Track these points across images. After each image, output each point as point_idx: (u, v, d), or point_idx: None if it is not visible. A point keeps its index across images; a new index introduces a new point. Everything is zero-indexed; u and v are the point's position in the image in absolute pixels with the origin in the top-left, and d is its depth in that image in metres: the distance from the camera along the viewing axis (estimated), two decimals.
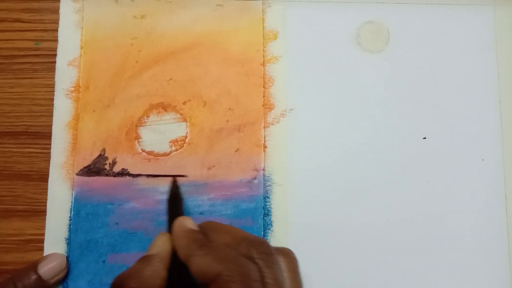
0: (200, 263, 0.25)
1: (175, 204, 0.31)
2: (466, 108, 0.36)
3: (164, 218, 0.33)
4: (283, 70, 0.36)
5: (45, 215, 0.34)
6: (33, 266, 0.31)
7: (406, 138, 0.35)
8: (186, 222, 0.29)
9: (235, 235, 0.27)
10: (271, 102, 0.35)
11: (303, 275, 0.28)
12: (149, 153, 0.34)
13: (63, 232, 0.33)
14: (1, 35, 0.36)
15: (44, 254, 0.33)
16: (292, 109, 0.35)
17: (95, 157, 0.34)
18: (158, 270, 0.27)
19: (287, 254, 0.28)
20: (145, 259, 0.27)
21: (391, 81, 0.36)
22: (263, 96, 0.35)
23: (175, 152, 0.35)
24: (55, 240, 0.33)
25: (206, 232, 0.28)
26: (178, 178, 0.33)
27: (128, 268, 0.27)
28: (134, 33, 0.36)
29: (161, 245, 0.28)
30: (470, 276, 0.34)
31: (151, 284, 0.26)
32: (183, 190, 0.34)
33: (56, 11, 0.36)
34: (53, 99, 0.35)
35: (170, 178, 0.33)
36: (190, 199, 0.34)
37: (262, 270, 0.25)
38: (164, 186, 0.34)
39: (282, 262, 0.27)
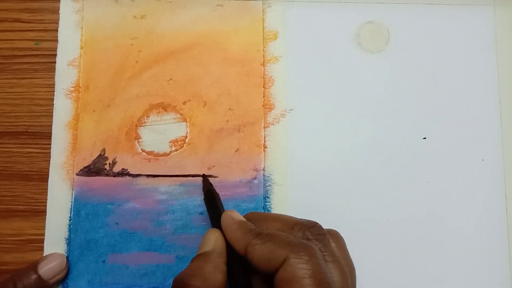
0: (263, 251, 0.25)
1: (213, 200, 0.31)
2: (466, 108, 0.36)
3: (164, 218, 0.34)
4: (283, 70, 0.36)
5: (45, 215, 0.34)
6: (33, 266, 0.31)
7: (406, 138, 0.35)
8: (234, 215, 0.29)
9: (285, 221, 0.28)
10: (271, 102, 0.35)
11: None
12: (149, 153, 0.34)
13: (63, 232, 0.33)
14: (1, 35, 0.36)
15: (44, 254, 0.33)
16: (292, 109, 0.35)
17: (95, 157, 0.34)
18: (219, 265, 0.27)
19: (334, 235, 0.28)
20: (203, 256, 0.27)
21: (391, 81, 0.36)
22: (263, 96, 0.35)
23: (175, 152, 0.35)
24: (55, 240, 0.33)
25: (255, 223, 0.28)
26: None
27: (187, 267, 0.27)
28: (134, 33, 0.36)
29: (215, 241, 0.28)
30: (470, 276, 0.34)
31: (215, 280, 0.26)
32: (184, 190, 0.34)
33: (56, 11, 0.36)
34: (53, 99, 0.35)
35: (200, 178, 0.34)
36: (190, 199, 0.34)
37: (320, 249, 0.25)
38: (164, 186, 0.34)
39: (332, 243, 0.27)
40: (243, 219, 0.29)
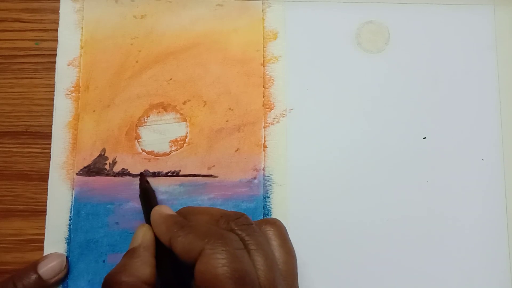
0: (183, 242, 0.25)
1: (148, 197, 0.32)
2: (466, 108, 0.36)
3: None
4: (283, 70, 0.36)
5: (45, 215, 0.34)
6: (33, 266, 0.31)
7: (406, 138, 0.35)
8: (163, 209, 0.29)
9: (213, 213, 0.28)
10: (271, 102, 0.35)
11: (304, 273, 0.28)
12: (149, 153, 0.34)
13: (63, 232, 0.33)
14: (1, 35, 0.36)
15: (44, 254, 0.33)
16: (292, 109, 0.35)
17: (95, 157, 0.34)
18: (146, 259, 0.27)
19: (274, 223, 0.28)
20: (130, 252, 0.28)
21: (391, 81, 0.36)
22: (263, 96, 0.35)
23: (175, 152, 0.35)
24: (55, 240, 0.33)
25: (185, 216, 0.28)
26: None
27: (116, 265, 0.27)
28: (134, 33, 0.36)
29: (142, 236, 0.29)
30: (470, 276, 0.34)
31: (142, 273, 0.26)
32: (184, 190, 0.34)
33: (56, 11, 0.36)
34: (53, 99, 0.35)
35: (138, 177, 0.34)
36: (190, 199, 0.34)
37: (244, 239, 0.25)
38: (164, 186, 0.34)
39: (269, 231, 0.28)
40: (172, 213, 0.29)
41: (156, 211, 0.29)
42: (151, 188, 0.33)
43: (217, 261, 0.24)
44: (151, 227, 0.29)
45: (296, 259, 0.28)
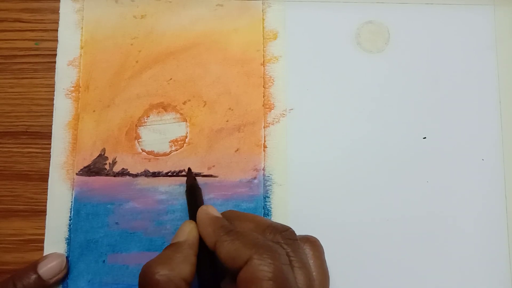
0: (229, 248, 0.25)
1: (194, 194, 0.32)
2: (466, 108, 0.36)
3: (164, 218, 0.34)
4: (283, 70, 0.36)
5: (45, 215, 0.34)
6: (33, 266, 0.31)
7: (406, 138, 0.35)
8: (210, 210, 0.29)
9: (259, 222, 0.28)
10: (271, 102, 0.35)
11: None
12: (149, 153, 0.34)
13: (63, 232, 0.33)
14: (1, 35, 0.36)
15: (44, 254, 0.33)
16: (292, 109, 0.35)
17: (95, 157, 0.34)
18: (188, 256, 0.27)
19: (313, 242, 0.28)
20: (174, 246, 0.27)
21: (391, 81, 0.36)
22: (263, 96, 0.35)
23: (175, 152, 0.35)
24: (55, 240, 0.33)
25: (230, 221, 0.28)
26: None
27: (157, 255, 0.27)
28: (134, 33, 0.36)
29: (188, 232, 0.28)
30: (470, 276, 0.34)
31: (182, 270, 0.26)
32: (184, 190, 0.34)
33: (56, 11, 0.36)
34: (53, 99, 0.35)
35: (185, 172, 0.34)
36: None
37: (289, 254, 0.25)
38: (164, 186, 0.34)
39: (307, 250, 0.27)
40: (219, 215, 0.29)
41: (203, 210, 0.29)
42: (197, 185, 0.33)
43: (263, 274, 0.23)
44: (197, 226, 0.28)
45: (329, 281, 0.28)
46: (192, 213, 0.30)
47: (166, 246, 0.28)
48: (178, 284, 0.25)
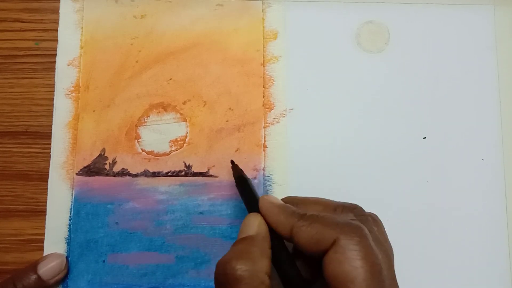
0: (310, 232, 0.25)
1: (246, 185, 0.30)
2: (466, 108, 0.36)
3: (164, 218, 0.34)
4: (283, 70, 0.36)
5: (45, 215, 0.34)
6: (33, 266, 0.31)
7: (406, 138, 0.35)
8: (273, 199, 0.28)
9: (326, 203, 0.27)
10: (271, 102, 0.35)
11: None
12: (149, 153, 0.34)
13: (63, 232, 0.33)
14: (1, 35, 0.36)
15: (44, 254, 0.33)
16: (292, 109, 0.35)
17: (95, 157, 0.34)
18: (264, 250, 0.26)
19: (375, 219, 0.28)
20: (248, 240, 0.26)
21: (391, 81, 0.36)
22: (263, 96, 0.35)
23: (175, 152, 0.35)
24: (55, 240, 0.33)
25: (294, 206, 0.27)
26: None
27: (231, 251, 0.26)
28: (134, 33, 0.36)
29: (258, 225, 0.27)
30: (470, 276, 0.34)
31: (262, 264, 0.25)
32: (184, 190, 0.34)
33: (56, 11, 0.36)
34: (53, 99, 0.35)
35: (229, 165, 0.33)
36: (190, 199, 0.34)
37: (370, 231, 0.25)
38: (164, 186, 0.34)
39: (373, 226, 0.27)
40: (282, 202, 0.28)
41: (266, 200, 0.28)
42: (245, 175, 0.31)
43: (354, 252, 0.23)
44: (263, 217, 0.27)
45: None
46: (251, 205, 0.29)
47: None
48: (262, 279, 0.24)
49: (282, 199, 0.29)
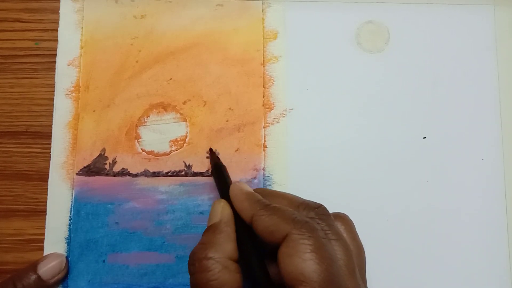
0: (267, 222, 0.26)
1: (221, 172, 0.32)
2: (466, 108, 0.36)
3: (164, 218, 0.34)
4: (283, 70, 0.36)
5: (45, 215, 0.34)
6: (33, 266, 0.31)
7: (406, 138, 0.35)
8: (243, 186, 0.29)
9: (292, 199, 0.28)
10: (271, 102, 0.35)
11: None
12: (149, 153, 0.34)
13: (63, 232, 0.33)
14: (1, 35, 0.36)
15: (44, 254, 0.33)
16: (292, 109, 0.35)
17: (95, 157, 0.34)
18: (229, 234, 0.27)
19: (343, 217, 0.29)
20: (212, 228, 0.27)
21: (391, 81, 0.36)
22: (263, 96, 0.35)
23: (175, 152, 0.35)
24: (55, 240, 0.33)
25: (263, 197, 0.28)
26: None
27: (199, 241, 0.27)
28: (134, 33, 0.36)
29: (221, 211, 0.28)
30: (470, 276, 0.34)
31: (226, 249, 0.26)
32: (184, 189, 0.34)
33: (56, 11, 0.36)
34: (53, 99, 0.35)
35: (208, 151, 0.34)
36: (190, 199, 0.34)
37: (324, 229, 0.26)
38: (164, 185, 0.34)
39: (339, 225, 0.28)
40: (252, 190, 0.29)
41: (236, 186, 0.29)
42: (222, 163, 0.33)
43: (304, 247, 0.24)
44: (228, 203, 0.29)
45: (365, 253, 0.28)
46: (222, 191, 0.30)
47: (204, 230, 0.28)
48: (225, 264, 0.25)
49: (255, 189, 0.30)
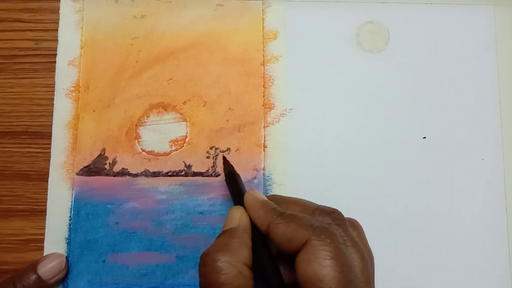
0: (285, 230, 0.26)
1: (234, 180, 0.32)
2: (466, 108, 0.36)
3: (164, 218, 0.34)
4: (283, 70, 0.36)
5: (45, 215, 0.34)
6: (33, 266, 0.31)
7: (406, 138, 0.35)
8: (257, 195, 0.29)
9: (306, 205, 0.28)
10: (271, 102, 0.35)
11: None
12: (149, 152, 0.34)
13: (63, 232, 0.33)
14: (1, 35, 0.36)
15: (44, 254, 0.33)
16: (292, 109, 0.35)
17: (95, 157, 0.34)
18: (245, 241, 0.27)
19: (354, 223, 0.29)
20: (229, 232, 0.27)
21: (391, 81, 0.36)
22: (263, 96, 0.35)
23: (175, 151, 0.35)
24: (55, 240, 0.33)
25: (276, 204, 0.28)
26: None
27: (213, 243, 0.27)
28: (134, 33, 0.36)
29: (239, 217, 0.28)
30: (470, 276, 0.34)
31: (241, 254, 0.26)
32: (184, 190, 0.34)
33: (56, 11, 0.36)
34: (53, 99, 0.35)
35: (221, 159, 0.34)
36: (190, 199, 0.34)
37: (341, 235, 0.26)
38: (164, 185, 0.34)
39: (352, 231, 0.28)
40: (266, 198, 0.29)
41: (250, 195, 0.29)
42: (235, 171, 0.33)
43: (324, 253, 0.24)
44: (245, 210, 0.29)
45: (374, 260, 0.28)
46: (237, 199, 0.30)
47: (218, 233, 0.28)
48: (240, 269, 0.25)
49: (267, 197, 0.30)
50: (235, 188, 0.31)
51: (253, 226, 0.28)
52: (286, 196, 0.31)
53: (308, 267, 0.24)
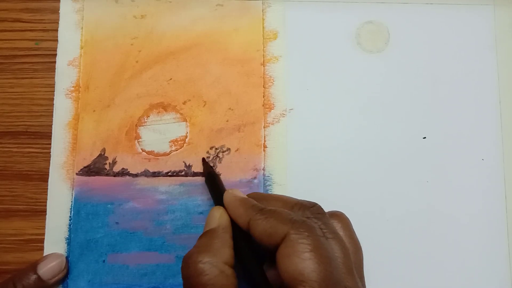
0: (264, 226, 0.26)
1: (214, 180, 0.32)
2: (466, 108, 0.36)
3: (164, 218, 0.34)
4: (283, 70, 0.36)
5: (45, 215, 0.34)
6: (33, 266, 0.31)
7: (406, 138, 0.35)
8: (236, 192, 0.29)
9: (286, 201, 0.28)
10: (271, 102, 0.35)
11: None
12: (149, 153, 0.34)
13: (63, 232, 0.33)
14: (1, 35, 0.36)
15: (44, 254, 0.33)
16: (292, 109, 0.35)
17: (95, 157, 0.34)
18: (226, 240, 0.27)
19: (339, 216, 0.29)
20: (209, 233, 0.27)
21: (391, 81, 0.36)
22: (263, 96, 0.35)
23: (175, 152, 0.35)
24: (55, 240, 0.33)
25: (257, 201, 0.28)
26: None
27: (195, 245, 0.27)
28: (134, 33, 0.36)
29: (219, 217, 0.28)
30: (470, 276, 0.34)
31: (223, 254, 0.26)
32: (184, 190, 0.34)
33: (56, 11, 0.36)
34: (53, 99, 0.35)
35: (200, 160, 0.34)
36: (190, 199, 0.34)
37: (320, 227, 0.26)
38: (164, 185, 0.34)
39: (335, 223, 0.28)
40: (245, 196, 0.29)
41: (229, 193, 0.29)
42: (215, 172, 0.33)
43: (303, 246, 0.24)
44: (225, 210, 0.29)
45: (362, 251, 0.28)
46: (217, 199, 0.30)
47: (200, 235, 0.28)
48: (222, 269, 0.25)
49: (248, 194, 0.30)
50: (214, 188, 0.31)
51: (235, 225, 0.28)
52: (266, 193, 0.31)
53: (288, 261, 0.24)
